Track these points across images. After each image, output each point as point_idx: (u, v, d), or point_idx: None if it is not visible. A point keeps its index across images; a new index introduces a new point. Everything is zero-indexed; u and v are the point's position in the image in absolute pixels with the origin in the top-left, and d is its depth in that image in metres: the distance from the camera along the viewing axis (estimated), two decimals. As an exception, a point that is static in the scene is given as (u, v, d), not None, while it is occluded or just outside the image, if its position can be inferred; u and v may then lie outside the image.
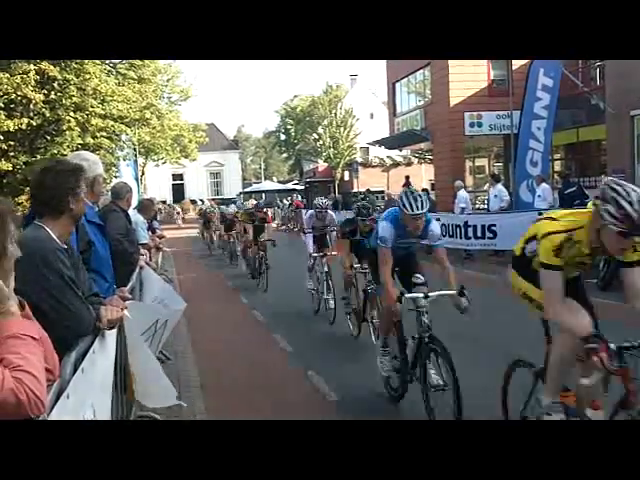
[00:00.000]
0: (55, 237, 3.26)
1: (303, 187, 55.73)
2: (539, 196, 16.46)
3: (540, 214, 14.38)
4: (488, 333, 8.62)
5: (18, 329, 2.11)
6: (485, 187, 25.05)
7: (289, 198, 46.10)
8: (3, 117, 22.72)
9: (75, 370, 2.71)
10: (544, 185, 16.62)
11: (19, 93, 22.43)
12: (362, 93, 58.74)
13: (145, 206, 9.37)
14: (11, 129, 22.83)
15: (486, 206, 19.43)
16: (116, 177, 29.53)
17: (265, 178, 75.24)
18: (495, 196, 18.49)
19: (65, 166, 3.49)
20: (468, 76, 23.78)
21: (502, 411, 4.65)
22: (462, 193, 19.41)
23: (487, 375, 5.59)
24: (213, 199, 60.04)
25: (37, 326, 2.21)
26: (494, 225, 16.72)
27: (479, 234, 17.04)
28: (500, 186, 18.83)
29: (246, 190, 59.94)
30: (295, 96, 74.93)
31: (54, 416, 2.21)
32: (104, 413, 3.34)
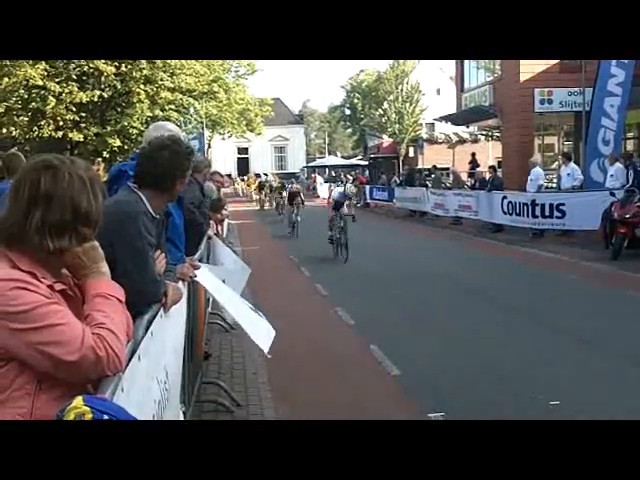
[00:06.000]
0: (148, 205, 3.29)
1: (367, 163, 55.43)
2: (612, 175, 15.95)
3: (612, 194, 14.06)
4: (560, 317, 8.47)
5: (106, 289, 2.16)
6: (554, 165, 24.44)
7: (352, 173, 45.96)
8: (76, 89, 23.28)
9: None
10: (617, 164, 16.09)
11: (91, 65, 22.93)
12: (429, 68, 57.76)
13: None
14: (83, 101, 23.39)
15: (555, 184, 18.92)
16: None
17: (329, 153, 75.17)
18: (568, 174, 17.99)
19: (181, 148, 3.49)
20: (539, 51, 23.10)
21: None
22: (537, 170, 18.88)
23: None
24: (277, 174, 60.52)
25: (122, 290, 2.25)
26: (563, 204, 16.35)
27: (547, 213, 16.72)
28: (573, 164, 18.33)
29: (309, 165, 59.99)
30: (361, 71, 74.44)
31: (127, 376, 2.27)
32: (176, 377, 3.41)
